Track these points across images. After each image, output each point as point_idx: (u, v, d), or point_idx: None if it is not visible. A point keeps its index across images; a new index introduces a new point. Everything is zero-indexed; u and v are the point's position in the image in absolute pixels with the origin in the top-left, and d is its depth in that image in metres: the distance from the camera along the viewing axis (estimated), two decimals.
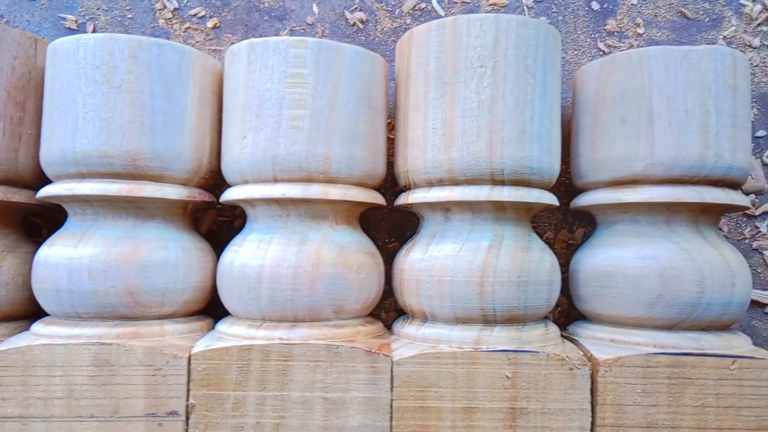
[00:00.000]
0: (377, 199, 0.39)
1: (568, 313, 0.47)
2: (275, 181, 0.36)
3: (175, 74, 0.37)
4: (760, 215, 0.47)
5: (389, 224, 0.47)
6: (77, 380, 0.34)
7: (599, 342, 0.38)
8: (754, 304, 0.47)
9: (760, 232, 0.48)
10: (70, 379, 0.34)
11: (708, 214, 0.38)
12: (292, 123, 0.35)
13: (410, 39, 0.38)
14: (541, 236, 0.47)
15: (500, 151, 0.36)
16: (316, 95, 0.36)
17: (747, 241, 0.48)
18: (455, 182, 0.37)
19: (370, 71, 0.38)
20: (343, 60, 0.36)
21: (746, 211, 0.47)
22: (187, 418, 0.34)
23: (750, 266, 0.48)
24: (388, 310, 0.47)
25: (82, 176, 0.36)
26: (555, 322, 0.47)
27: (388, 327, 0.42)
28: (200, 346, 0.35)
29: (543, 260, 0.37)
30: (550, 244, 0.47)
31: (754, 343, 0.48)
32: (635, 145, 0.37)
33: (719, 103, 0.37)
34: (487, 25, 0.36)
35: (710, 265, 0.36)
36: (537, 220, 0.47)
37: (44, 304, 0.37)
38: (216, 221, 0.46)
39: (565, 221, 0.47)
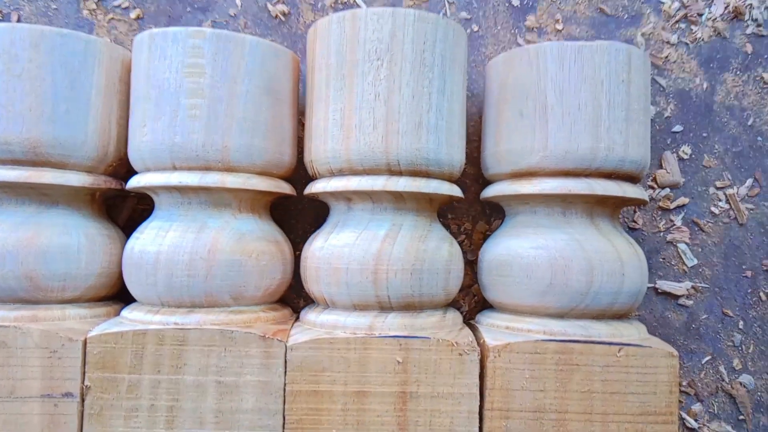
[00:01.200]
0: (282, 188, 0.40)
1: (483, 302, 0.48)
2: (174, 169, 0.37)
3: (79, 63, 0.38)
4: (674, 209, 0.48)
5: (311, 214, 0.48)
6: None
7: (496, 329, 0.39)
8: (667, 295, 0.48)
9: (674, 225, 0.49)
10: None
11: (604, 206, 0.39)
12: (189, 112, 0.36)
13: (315, 32, 0.39)
14: (459, 227, 0.48)
15: (396, 142, 0.37)
16: (213, 85, 0.36)
17: (662, 233, 0.49)
18: (354, 172, 0.38)
19: (273, 62, 0.39)
20: (242, 51, 0.37)
21: (660, 204, 0.49)
22: (83, 400, 0.35)
23: (664, 259, 0.50)
24: (307, 298, 0.48)
25: None
26: (470, 310, 0.48)
27: None
28: (97, 330, 0.36)
29: (440, 249, 0.38)
30: (468, 234, 0.48)
31: (666, 334, 0.49)
32: (531, 139, 0.38)
33: (612, 98, 0.37)
34: (384, 19, 0.37)
35: (600, 255, 0.37)
36: (455, 211, 0.48)
37: None
38: (137, 209, 0.47)
39: (483, 213, 0.48)
